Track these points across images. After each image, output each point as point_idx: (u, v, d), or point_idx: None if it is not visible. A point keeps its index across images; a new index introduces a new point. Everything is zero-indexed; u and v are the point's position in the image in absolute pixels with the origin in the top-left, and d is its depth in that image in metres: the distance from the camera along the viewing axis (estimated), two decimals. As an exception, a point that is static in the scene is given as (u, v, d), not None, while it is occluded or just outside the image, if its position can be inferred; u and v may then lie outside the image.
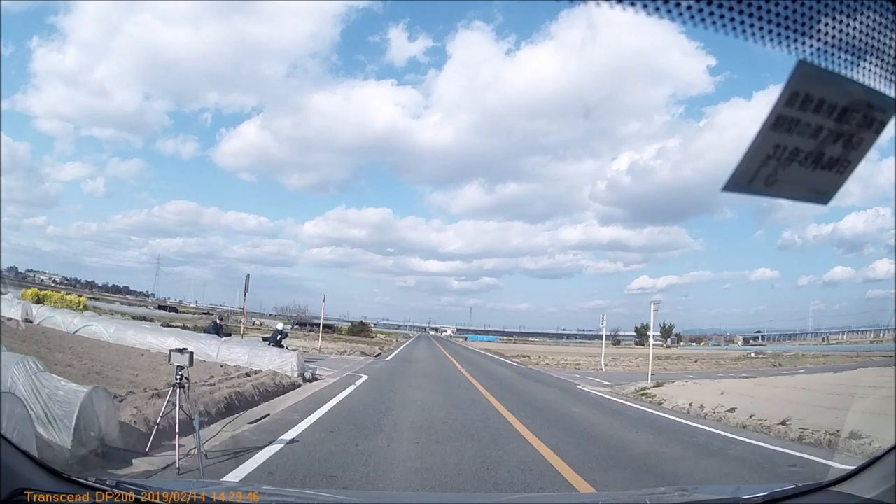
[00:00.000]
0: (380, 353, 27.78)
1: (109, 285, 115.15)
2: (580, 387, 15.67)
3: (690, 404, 11.49)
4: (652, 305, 18.28)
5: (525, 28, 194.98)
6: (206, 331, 16.61)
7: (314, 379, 12.45)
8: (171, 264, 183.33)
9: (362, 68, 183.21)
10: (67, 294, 37.19)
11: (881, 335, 71.65)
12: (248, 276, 19.08)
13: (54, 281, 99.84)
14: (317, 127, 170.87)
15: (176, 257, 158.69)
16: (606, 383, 17.32)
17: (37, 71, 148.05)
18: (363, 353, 25.20)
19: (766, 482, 5.19)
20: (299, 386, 11.24)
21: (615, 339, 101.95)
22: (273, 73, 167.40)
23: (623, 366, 28.16)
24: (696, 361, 34.26)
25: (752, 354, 47.11)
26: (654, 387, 15.28)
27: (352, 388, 11.38)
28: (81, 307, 33.33)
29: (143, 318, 37.60)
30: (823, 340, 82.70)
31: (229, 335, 16.63)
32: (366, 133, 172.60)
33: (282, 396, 9.54)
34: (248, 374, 11.06)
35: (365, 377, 13.80)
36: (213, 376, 10.16)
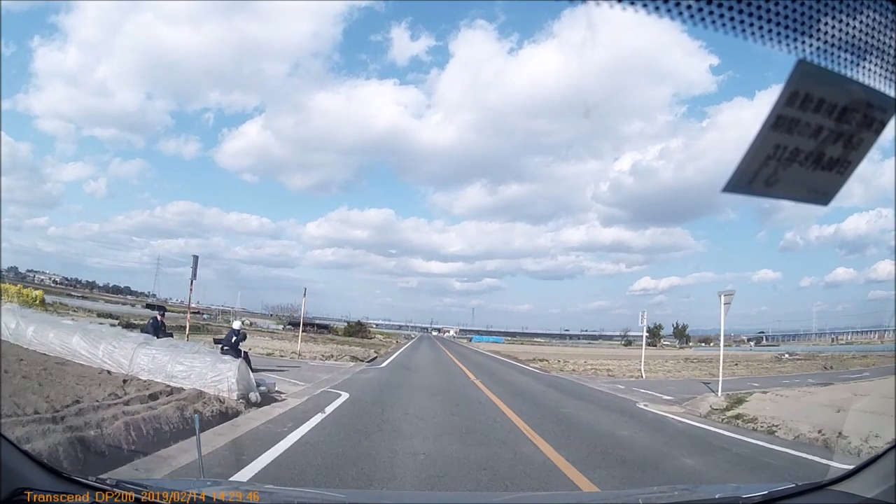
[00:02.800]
0: (374, 358, 23.58)
1: (110, 285, 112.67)
2: (641, 406, 11.52)
3: (821, 432, 8.00)
4: (722, 297, 14.09)
5: (527, 27, 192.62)
6: (143, 330, 12.56)
7: (266, 401, 8.31)
8: (172, 265, 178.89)
9: (364, 67, 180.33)
10: (25, 287, 33.49)
11: (885, 335, 69.87)
12: (195, 257, 14.74)
13: (54, 281, 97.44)
14: (319, 127, 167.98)
15: (178, 258, 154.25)
16: (667, 398, 13.22)
17: (38, 71, 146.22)
18: (354, 358, 20.99)
19: None
20: (235, 416, 7.12)
21: (626, 340, 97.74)
22: (275, 72, 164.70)
23: (661, 371, 24.06)
24: (736, 364, 30.12)
25: (786, 356, 43.20)
26: (736, 402, 11.46)
27: (317, 418, 7.24)
28: (38, 302, 29.70)
29: (110, 316, 33.90)
30: (833, 341, 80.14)
31: (170, 335, 12.57)
32: (368, 133, 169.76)
33: (179, 444, 5.40)
34: (153, 396, 6.97)
35: (345, 396, 9.65)
36: (79, 400, 6.04)
